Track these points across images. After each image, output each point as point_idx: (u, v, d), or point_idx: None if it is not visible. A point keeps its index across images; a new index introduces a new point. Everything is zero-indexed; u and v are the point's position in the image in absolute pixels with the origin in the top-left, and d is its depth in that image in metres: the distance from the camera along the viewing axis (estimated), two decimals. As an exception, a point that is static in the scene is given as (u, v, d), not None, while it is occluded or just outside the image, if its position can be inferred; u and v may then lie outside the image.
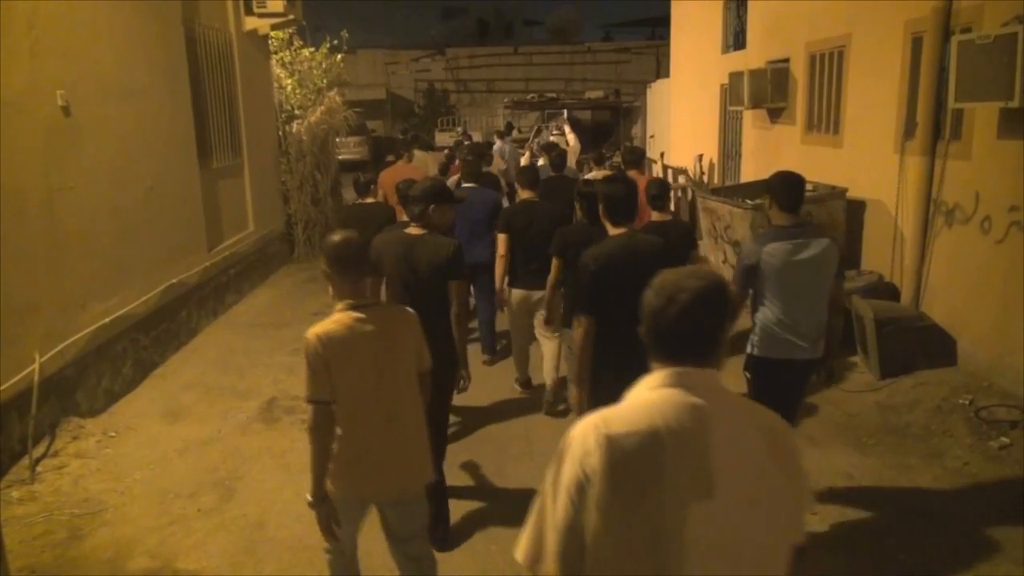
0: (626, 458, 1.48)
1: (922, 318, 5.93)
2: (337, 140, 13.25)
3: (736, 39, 11.49)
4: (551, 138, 12.62)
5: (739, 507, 1.50)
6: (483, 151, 9.31)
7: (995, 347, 5.33)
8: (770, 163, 9.46)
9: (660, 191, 5.34)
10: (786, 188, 3.74)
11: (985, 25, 5.38)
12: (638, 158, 5.43)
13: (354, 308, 2.80)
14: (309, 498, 2.84)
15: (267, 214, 10.06)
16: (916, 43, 6.32)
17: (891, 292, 6.44)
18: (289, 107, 11.54)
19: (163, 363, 6.67)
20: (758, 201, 7.37)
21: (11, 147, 4.75)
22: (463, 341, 3.95)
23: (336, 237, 2.86)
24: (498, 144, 13.50)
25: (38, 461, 4.71)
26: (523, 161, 11.18)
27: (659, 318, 1.60)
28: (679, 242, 4.81)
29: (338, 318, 2.79)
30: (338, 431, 2.80)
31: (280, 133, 11.12)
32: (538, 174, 6.30)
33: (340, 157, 13.46)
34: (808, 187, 7.73)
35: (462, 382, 3.97)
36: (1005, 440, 4.63)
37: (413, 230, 3.87)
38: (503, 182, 9.78)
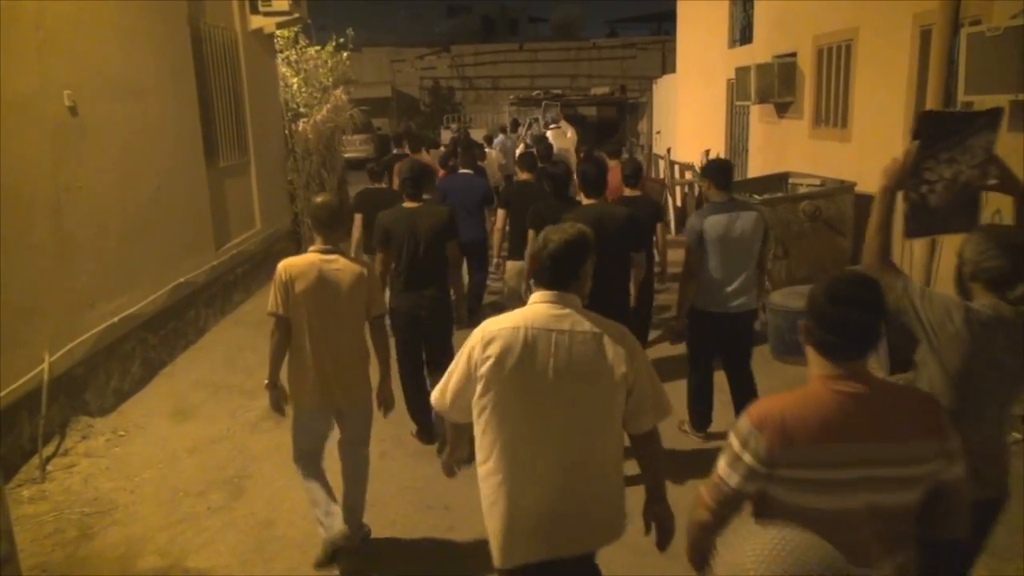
0: (493, 337, 2.34)
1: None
2: (343, 138, 13.26)
3: (743, 33, 11.45)
4: (548, 131, 12.95)
5: (567, 392, 2.30)
6: (475, 145, 10.21)
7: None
8: (778, 158, 9.42)
9: (633, 171, 6.05)
10: (720, 172, 4.72)
11: (995, 17, 5.34)
12: (636, 171, 6.14)
13: (320, 252, 3.58)
14: (265, 381, 3.76)
15: (274, 212, 10.06)
16: (925, 36, 6.28)
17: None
18: (295, 105, 11.55)
19: (171, 362, 6.69)
20: (766, 196, 7.35)
21: (18, 147, 4.76)
22: (460, 288, 5.05)
23: (317, 199, 3.70)
24: (500, 138, 14.08)
25: (48, 460, 4.73)
26: (518, 151, 11.70)
27: (538, 257, 2.39)
28: (644, 214, 5.33)
29: (306, 256, 3.60)
30: (294, 344, 3.60)
31: (286, 131, 11.12)
32: (535, 159, 7.36)
33: (346, 155, 13.48)
34: (816, 182, 7.74)
35: (462, 320, 5.00)
36: (1017, 435, 4.59)
37: (409, 204, 4.79)
38: (500, 174, 11.10)
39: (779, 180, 8.41)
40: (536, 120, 19.04)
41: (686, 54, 14.72)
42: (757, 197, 7.19)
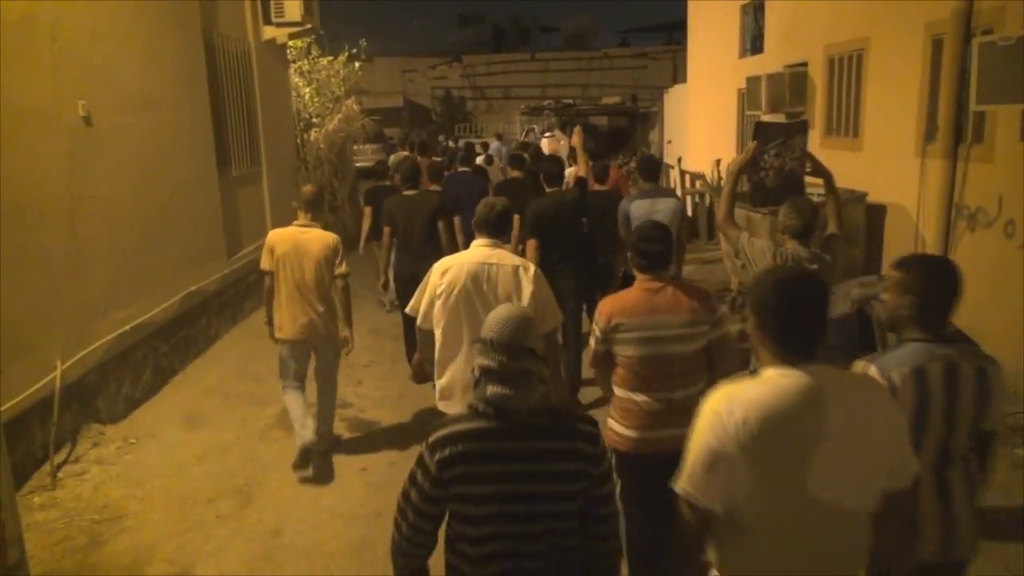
0: (447, 268, 3.51)
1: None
2: (355, 147, 13.33)
3: (753, 43, 11.43)
4: (544, 139, 13.56)
5: (497, 303, 3.16)
6: (474, 151, 11.97)
7: (1019, 352, 5.24)
8: (789, 167, 9.40)
9: (602, 171, 7.03)
10: (647, 165, 6.18)
11: (1007, 26, 5.31)
12: (604, 170, 7.24)
13: (300, 225, 4.78)
14: (266, 319, 4.86)
15: (285, 222, 10.05)
16: (936, 45, 6.26)
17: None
18: (307, 115, 11.63)
19: (182, 370, 6.73)
20: (775, 206, 7.32)
21: (34, 157, 4.82)
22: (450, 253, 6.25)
23: (305, 187, 5.03)
24: (495, 144, 15.27)
25: (59, 467, 4.76)
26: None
27: (483, 217, 3.62)
28: (598, 203, 6.00)
29: (288, 228, 4.79)
30: (278, 292, 4.70)
31: (298, 141, 11.19)
32: (524, 159, 8.41)
33: (357, 164, 13.54)
34: (823, 191, 7.69)
35: None
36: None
37: (408, 192, 6.14)
38: (500, 176, 11.73)
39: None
40: (532, 128, 19.93)
41: (697, 64, 14.71)
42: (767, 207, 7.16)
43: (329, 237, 4.77)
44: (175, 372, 6.62)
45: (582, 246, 5.58)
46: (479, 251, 3.53)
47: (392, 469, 4.75)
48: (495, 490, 1.96)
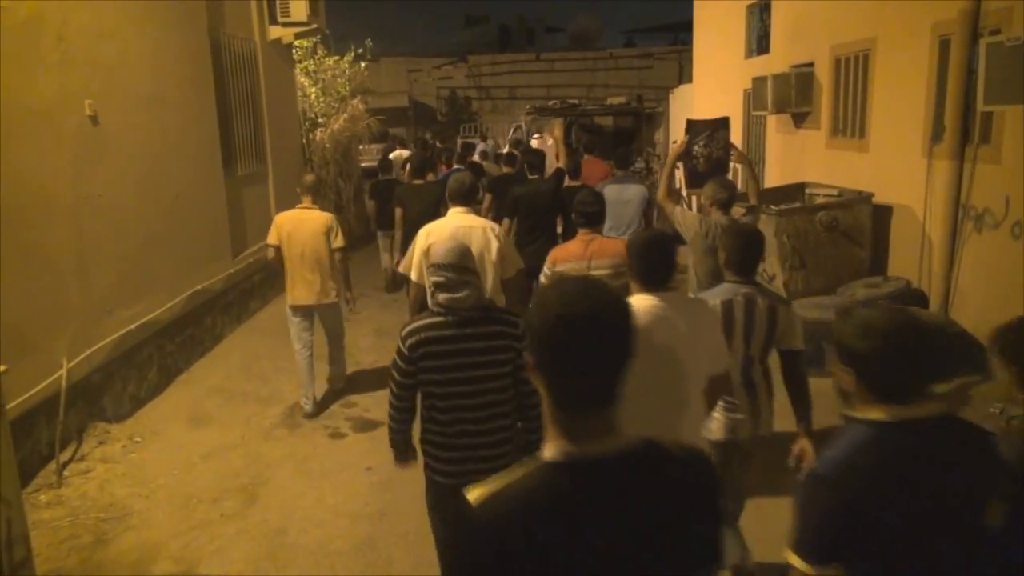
0: (430, 231, 4.36)
1: (951, 325, 5.82)
2: (360, 147, 13.34)
3: (759, 43, 11.41)
4: (534, 139, 14.88)
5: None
6: (471, 149, 13.39)
7: (1027, 354, 5.22)
8: (795, 168, 9.37)
9: (575, 167, 7.58)
10: (621, 155, 7.32)
11: (1014, 27, 5.29)
12: (576, 167, 7.93)
13: (303, 207, 5.72)
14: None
15: (291, 221, 10.12)
16: (944, 45, 6.23)
17: (919, 299, 6.34)
18: (313, 115, 11.64)
19: (188, 369, 6.74)
20: (782, 207, 7.31)
21: (40, 156, 4.83)
22: None
23: (307, 176, 6.15)
24: (481, 146, 16.03)
25: (65, 465, 4.77)
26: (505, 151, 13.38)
27: (458, 191, 4.56)
28: (567, 194, 6.43)
29: (292, 210, 5.74)
30: (285, 263, 5.63)
31: (304, 141, 11.21)
32: (515, 157, 9.33)
33: (363, 164, 13.55)
34: (833, 192, 7.68)
35: None
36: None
37: (417, 181, 7.68)
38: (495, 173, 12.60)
39: (796, 190, 8.36)
40: (519, 127, 21.36)
41: (703, 64, 14.69)
42: (774, 208, 7.15)
43: (326, 216, 5.74)
44: (180, 371, 6.63)
45: (553, 227, 6.49)
46: (456, 217, 4.47)
47: (397, 469, 4.75)
48: (449, 363, 2.80)
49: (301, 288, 5.65)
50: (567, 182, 7.04)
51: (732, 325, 3.15)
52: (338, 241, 5.66)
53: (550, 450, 1.33)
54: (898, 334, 1.75)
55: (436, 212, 6.45)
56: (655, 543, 1.31)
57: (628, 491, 1.31)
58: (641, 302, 2.62)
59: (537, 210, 6.37)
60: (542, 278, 4.25)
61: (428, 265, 2.99)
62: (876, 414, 1.75)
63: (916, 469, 1.69)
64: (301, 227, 5.59)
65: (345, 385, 6.15)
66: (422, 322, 2.83)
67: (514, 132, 20.14)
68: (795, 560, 1.71)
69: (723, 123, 5.64)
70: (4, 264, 4.35)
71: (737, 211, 5.01)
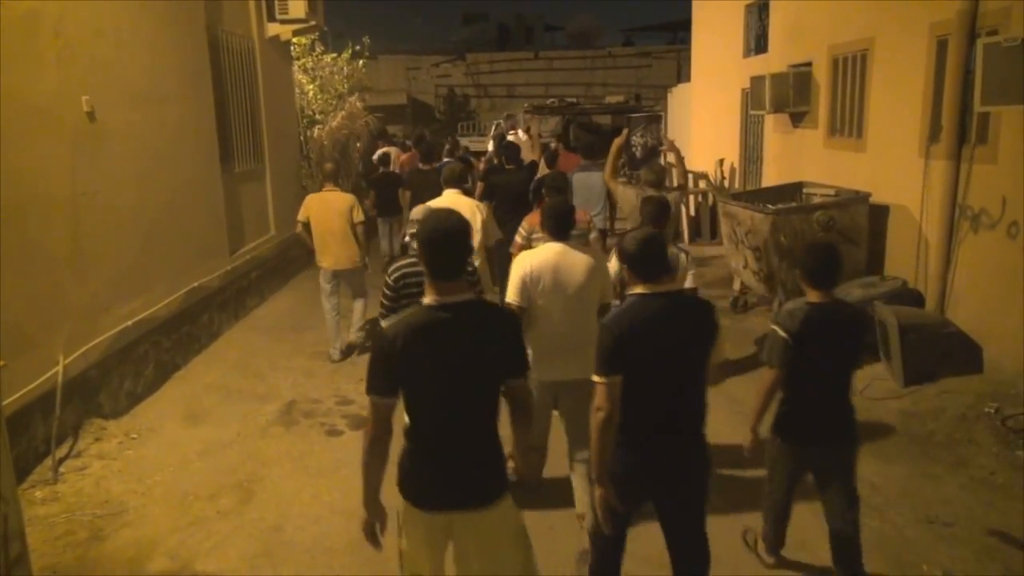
0: (422, 209, 4.56)
1: (947, 325, 5.83)
2: (358, 145, 13.33)
3: (758, 43, 11.42)
4: (510, 135, 15.98)
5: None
6: (458, 145, 14.71)
7: (1022, 353, 5.23)
8: (792, 168, 9.39)
9: (551, 156, 9.05)
10: (586, 146, 8.42)
11: (1012, 27, 5.30)
12: (553, 156, 9.66)
13: (326, 191, 6.82)
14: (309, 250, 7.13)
15: (289, 218, 10.06)
16: (941, 46, 6.24)
17: (915, 298, 6.35)
18: (311, 112, 11.63)
19: (184, 366, 6.74)
20: (779, 206, 7.32)
21: (37, 152, 4.83)
22: None
23: (327, 164, 7.29)
24: (466, 141, 17.85)
25: (61, 462, 4.76)
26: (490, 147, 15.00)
27: (453, 175, 5.81)
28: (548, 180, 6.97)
29: (320, 192, 6.90)
30: (313, 235, 6.75)
31: (302, 138, 11.20)
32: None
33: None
34: (831, 192, 7.69)
35: None
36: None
37: (424, 166, 8.88)
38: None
39: (793, 190, 8.37)
40: (499, 123, 23.43)
41: (701, 63, 14.69)
42: (771, 207, 7.15)
43: (348, 196, 6.85)
44: (177, 368, 6.63)
45: (527, 209, 7.00)
46: (450, 196, 5.48)
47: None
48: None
49: (328, 257, 6.74)
50: (545, 170, 8.03)
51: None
52: (358, 216, 6.72)
53: (426, 299, 2.46)
54: (647, 243, 2.87)
55: (437, 193, 7.04)
56: (478, 352, 2.46)
57: (462, 321, 2.43)
58: (544, 249, 3.80)
59: (512, 195, 7.30)
60: (517, 238, 5.06)
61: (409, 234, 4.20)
62: (638, 289, 2.86)
63: (657, 320, 2.79)
64: (328, 206, 6.68)
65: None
66: (402, 263, 4.13)
67: (496, 129, 21.98)
68: (596, 377, 2.77)
69: (656, 118, 8.60)
70: (1, 260, 4.35)
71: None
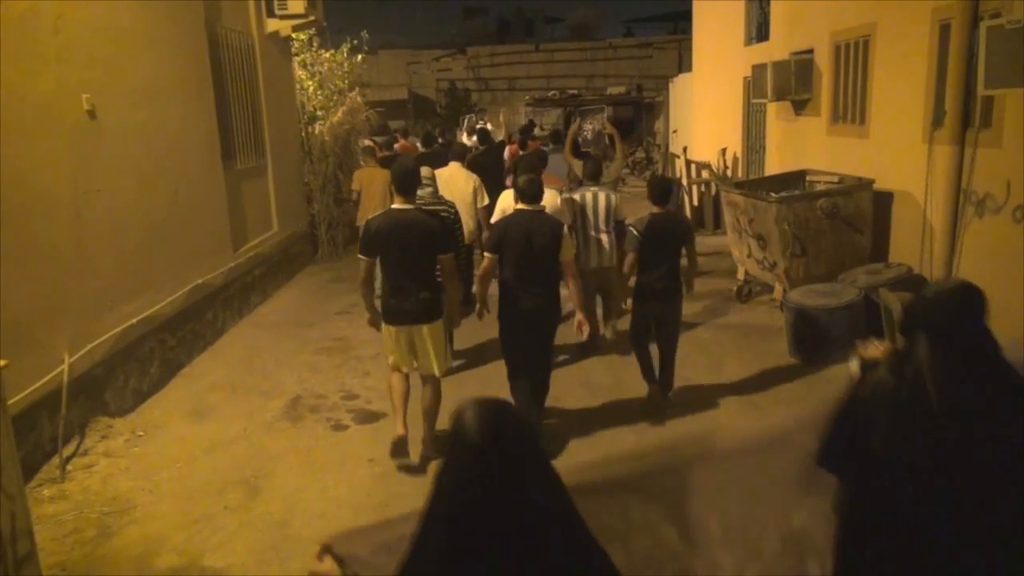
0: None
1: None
2: (359, 140, 13.31)
3: (759, 31, 11.36)
4: (478, 125, 19.18)
5: None
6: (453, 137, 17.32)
7: (1029, 339, 5.21)
8: (795, 156, 9.35)
9: (525, 136, 11.51)
10: (555, 136, 10.56)
11: (1015, 10, 5.25)
12: (527, 133, 12.79)
13: (370, 167, 9.18)
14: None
15: (291, 215, 10.13)
16: (944, 30, 6.20)
17: (920, 284, 6.32)
18: (311, 108, 11.60)
19: (189, 363, 6.75)
20: (783, 194, 7.29)
21: (38, 150, 4.83)
22: None
23: (363, 142, 10.93)
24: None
25: (68, 460, 4.78)
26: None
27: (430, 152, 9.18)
28: (521, 159, 8.21)
29: (366, 168, 9.31)
30: (364, 202, 8.82)
31: (303, 134, 11.19)
32: (485, 134, 12.68)
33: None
34: (834, 179, 7.66)
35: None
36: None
37: (425, 150, 10.05)
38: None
39: (797, 178, 8.34)
40: (471, 116, 26.63)
41: (702, 53, 14.64)
42: (774, 195, 7.13)
43: (384, 172, 7.97)
44: (182, 365, 6.64)
45: (502, 181, 8.61)
46: (454, 167, 7.25)
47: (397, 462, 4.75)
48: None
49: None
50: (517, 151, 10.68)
51: (583, 213, 6.31)
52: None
53: (394, 205, 4.48)
54: (531, 182, 4.73)
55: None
56: (421, 235, 4.43)
57: (411, 218, 4.45)
58: (519, 210, 4.77)
59: (487, 169, 8.70)
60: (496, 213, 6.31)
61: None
62: (519, 206, 4.79)
63: (522, 223, 4.74)
64: (375, 179, 8.59)
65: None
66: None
67: (468, 122, 25.80)
68: (485, 255, 4.66)
69: (600, 109, 9.28)
70: (4, 259, 4.36)
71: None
